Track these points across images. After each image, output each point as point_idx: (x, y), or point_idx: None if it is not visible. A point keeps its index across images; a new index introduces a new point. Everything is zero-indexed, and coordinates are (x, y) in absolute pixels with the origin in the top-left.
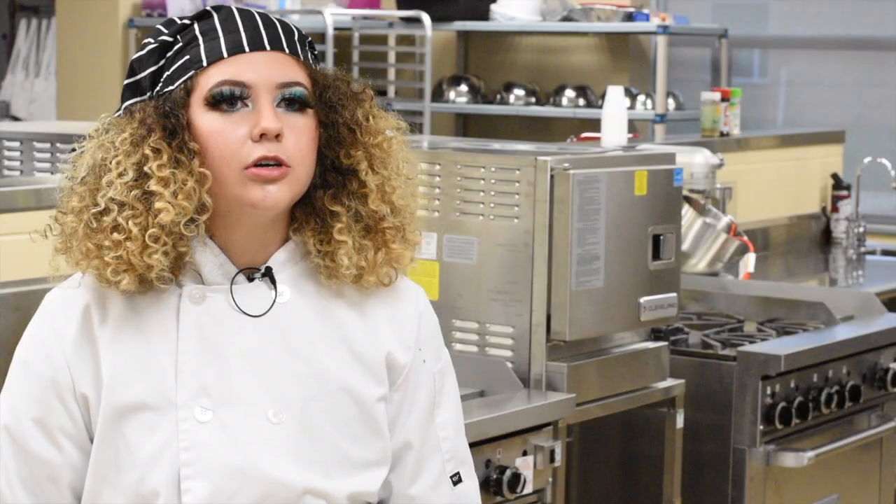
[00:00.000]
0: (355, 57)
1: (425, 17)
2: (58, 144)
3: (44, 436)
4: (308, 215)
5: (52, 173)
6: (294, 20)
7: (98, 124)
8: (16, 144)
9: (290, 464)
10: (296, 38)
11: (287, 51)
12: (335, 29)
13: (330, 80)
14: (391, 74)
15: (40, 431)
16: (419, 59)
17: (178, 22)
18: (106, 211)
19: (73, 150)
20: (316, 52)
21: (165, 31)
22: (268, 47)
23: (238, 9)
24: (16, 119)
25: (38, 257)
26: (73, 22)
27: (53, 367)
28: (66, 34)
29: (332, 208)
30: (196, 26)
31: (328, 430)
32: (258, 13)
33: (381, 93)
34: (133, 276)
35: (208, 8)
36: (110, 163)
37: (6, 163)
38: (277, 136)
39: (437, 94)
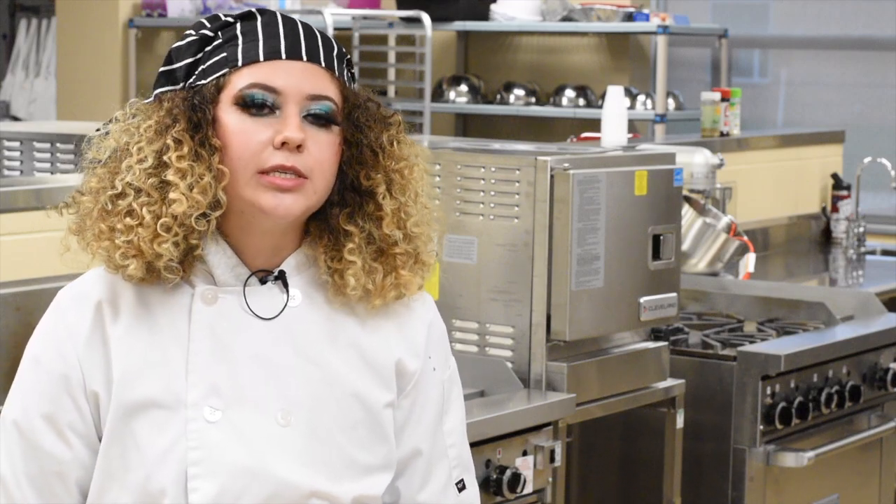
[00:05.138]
0: (355, 57)
1: (425, 17)
2: (58, 144)
3: (53, 432)
4: (322, 231)
5: (52, 173)
6: None
7: (126, 108)
8: (16, 144)
9: (298, 466)
10: (334, 53)
11: (323, 64)
12: (335, 29)
13: (361, 100)
14: (391, 74)
15: (49, 427)
16: (419, 59)
17: (222, 18)
18: (122, 195)
19: (98, 130)
20: (353, 72)
21: (208, 26)
22: (304, 58)
23: (282, 15)
24: (16, 119)
25: (39, 257)
26: (73, 22)
27: (65, 364)
28: (66, 34)
29: (346, 227)
30: (238, 26)
31: (335, 433)
32: (301, 23)
33: (382, 93)
34: (141, 262)
35: (253, 9)
36: (132, 147)
37: (6, 163)
38: (299, 147)
39: (437, 94)
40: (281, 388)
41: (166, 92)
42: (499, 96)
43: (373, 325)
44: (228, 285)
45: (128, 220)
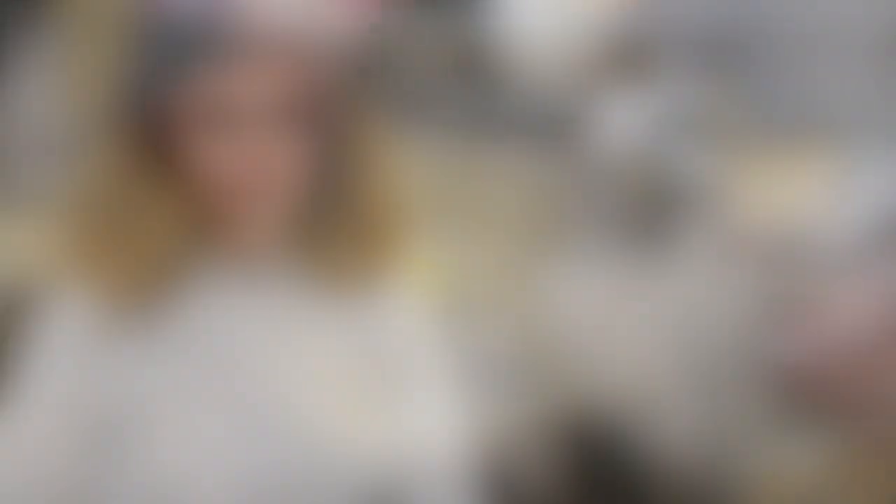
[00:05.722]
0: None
1: (425, 18)
2: None
3: (46, 439)
4: (299, 222)
5: None
6: None
7: (90, 139)
8: None
9: (299, 459)
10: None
11: (275, 62)
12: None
13: (316, 90)
14: (390, 74)
15: (44, 434)
16: (419, 60)
17: (164, 34)
18: (101, 224)
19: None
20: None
21: (149, 44)
22: (255, 61)
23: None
24: None
25: (38, 258)
26: (73, 22)
27: (60, 370)
28: (66, 34)
29: (324, 211)
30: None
31: (334, 425)
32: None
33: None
34: (131, 294)
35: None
36: (102, 185)
37: None
38: (269, 145)
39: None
40: (277, 383)
41: (125, 118)
42: None
43: (363, 315)
44: (217, 285)
45: (111, 256)
